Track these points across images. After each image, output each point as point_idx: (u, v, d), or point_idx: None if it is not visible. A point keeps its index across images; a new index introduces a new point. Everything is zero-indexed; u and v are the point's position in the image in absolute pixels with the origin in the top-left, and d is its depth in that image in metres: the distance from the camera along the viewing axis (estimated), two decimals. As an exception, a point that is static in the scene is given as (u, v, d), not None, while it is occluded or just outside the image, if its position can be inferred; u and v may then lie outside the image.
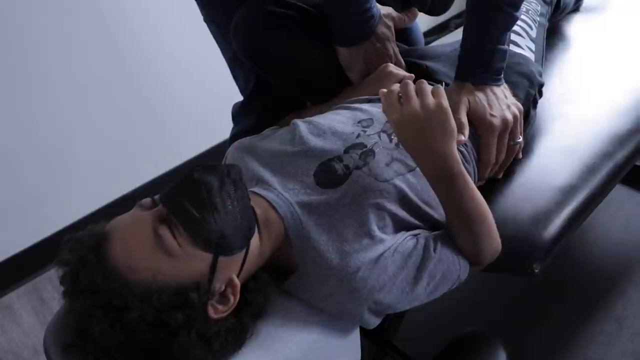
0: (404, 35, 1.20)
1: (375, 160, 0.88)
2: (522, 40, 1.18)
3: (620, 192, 1.74)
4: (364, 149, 0.89)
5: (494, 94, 0.99)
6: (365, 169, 0.87)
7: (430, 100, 0.81)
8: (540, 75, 1.16)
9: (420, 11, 1.22)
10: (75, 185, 1.76)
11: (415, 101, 0.81)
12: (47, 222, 1.73)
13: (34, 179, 1.68)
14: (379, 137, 0.92)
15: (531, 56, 1.17)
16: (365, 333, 0.94)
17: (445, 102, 0.81)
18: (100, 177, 1.80)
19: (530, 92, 1.10)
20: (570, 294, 1.50)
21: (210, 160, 1.03)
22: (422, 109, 0.81)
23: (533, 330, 1.42)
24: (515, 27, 1.18)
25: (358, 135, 0.92)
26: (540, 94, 1.16)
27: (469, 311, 1.46)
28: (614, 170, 1.08)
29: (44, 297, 1.68)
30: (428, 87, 0.83)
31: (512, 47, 1.15)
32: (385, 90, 0.86)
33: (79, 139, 1.72)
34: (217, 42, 1.23)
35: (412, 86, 0.83)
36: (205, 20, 1.21)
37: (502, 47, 0.98)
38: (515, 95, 1.07)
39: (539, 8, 1.27)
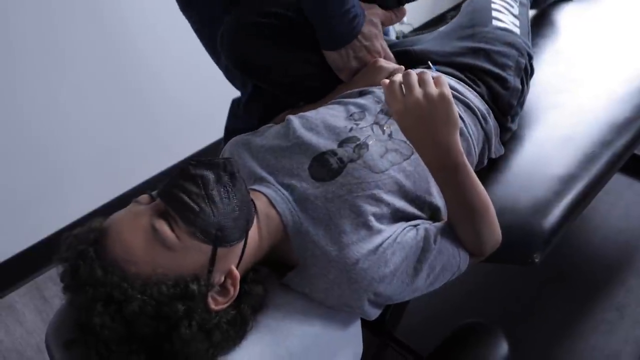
0: None
1: (369, 152, 0.88)
2: (505, 17, 1.18)
3: (619, 181, 1.74)
4: (358, 142, 0.90)
5: None
6: (359, 162, 0.87)
7: (433, 89, 0.81)
8: (529, 47, 1.16)
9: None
10: (73, 185, 1.76)
11: (418, 91, 0.81)
12: (47, 222, 1.73)
13: (32, 179, 1.68)
14: (372, 129, 0.92)
15: (517, 31, 1.17)
16: (366, 325, 0.95)
17: (448, 91, 0.81)
18: (98, 177, 1.80)
19: (520, 61, 1.11)
20: (571, 284, 1.50)
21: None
22: (425, 98, 0.80)
23: (535, 320, 1.43)
24: (496, 6, 1.19)
25: (351, 129, 0.92)
26: (532, 66, 1.17)
27: (470, 302, 1.47)
28: (613, 159, 1.08)
29: (46, 295, 1.69)
30: (430, 77, 0.83)
31: (496, 23, 1.16)
32: (387, 80, 0.85)
33: (76, 139, 1.72)
34: (208, 52, 1.26)
35: (414, 76, 0.83)
36: (200, 39, 1.24)
37: None
38: (504, 64, 1.08)
39: None
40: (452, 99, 0.81)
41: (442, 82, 0.82)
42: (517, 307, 1.47)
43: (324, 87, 1.13)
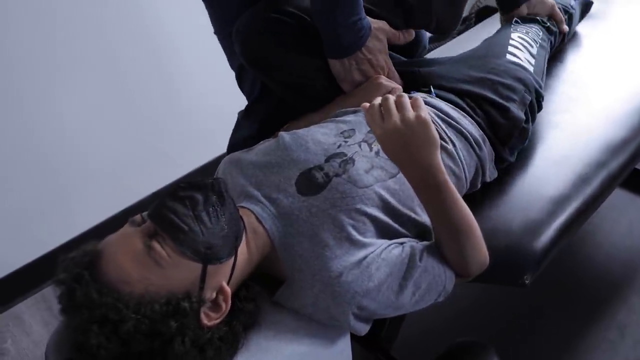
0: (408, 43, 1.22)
1: (354, 167, 0.90)
2: (522, 54, 1.20)
3: (623, 198, 1.74)
4: (344, 158, 0.92)
5: None
6: (344, 176, 0.89)
7: (410, 113, 0.83)
8: (540, 87, 1.18)
9: (426, 30, 1.24)
10: (80, 198, 1.79)
11: (395, 115, 0.83)
12: (54, 234, 1.75)
13: (40, 193, 1.71)
14: (360, 146, 0.94)
15: (530, 69, 1.18)
16: (362, 342, 0.95)
17: (425, 114, 0.83)
18: (105, 191, 1.83)
19: (526, 97, 1.12)
20: (572, 301, 1.49)
21: (211, 172, 1.07)
22: (403, 122, 0.83)
23: (535, 338, 1.42)
24: (514, 42, 1.22)
25: (339, 146, 0.94)
26: (540, 104, 1.18)
27: (469, 320, 1.47)
28: (607, 180, 1.08)
29: (53, 307, 1.70)
30: (407, 100, 0.85)
31: (510, 57, 1.18)
32: (367, 104, 0.88)
33: (83, 153, 1.75)
34: (226, 52, 1.26)
35: (392, 100, 0.85)
36: (216, 32, 1.24)
37: None
38: (508, 96, 1.10)
39: (540, 34, 1.31)
40: (429, 121, 0.83)
41: (419, 105, 0.84)
42: (518, 325, 1.46)
43: (329, 93, 1.14)
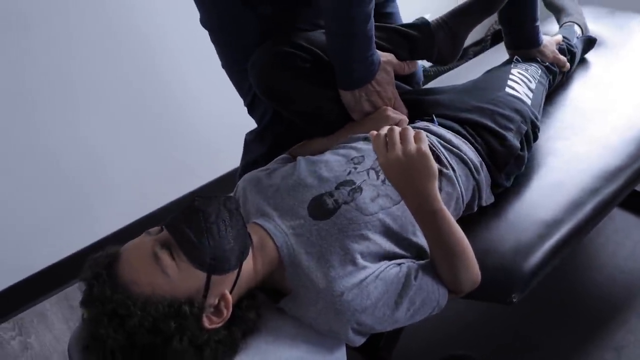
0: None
1: (362, 196, 0.97)
2: (520, 88, 1.26)
3: (628, 221, 1.75)
4: (353, 186, 0.99)
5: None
6: (352, 204, 0.96)
7: (412, 146, 0.90)
8: (537, 119, 1.22)
9: (428, 61, 1.30)
10: (102, 206, 1.89)
11: (398, 147, 0.91)
12: (77, 238, 1.85)
13: (65, 200, 1.80)
14: (368, 174, 1.01)
15: (528, 101, 1.24)
16: (361, 351, 1.01)
17: (425, 147, 0.90)
18: (125, 199, 1.92)
19: (521, 127, 1.17)
20: (571, 320, 1.52)
21: (227, 183, 1.14)
22: (404, 154, 0.90)
23: (532, 355, 1.45)
24: (514, 77, 1.27)
25: (349, 173, 1.01)
26: (535, 135, 1.22)
27: (469, 335, 1.50)
28: (600, 206, 1.11)
29: (74, 305, 1.80)
30: (411, 133, 0.92)
31: (509, 90, 1.24)
32: (375, 132, 0.95)
33: (105, 164, 1.85)
34: (235, 84, 1.33)
35: (396, 132, 0.92)
36: (224, 67, 1.31)
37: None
38: (506, 126, 1.15)
39: (539, 71, 1.36)
40: (429, 154, 0.90)
41: (421, 139, 0.91)
42: (515, 340, 1.49)
43: (340, 121, 1.21)
